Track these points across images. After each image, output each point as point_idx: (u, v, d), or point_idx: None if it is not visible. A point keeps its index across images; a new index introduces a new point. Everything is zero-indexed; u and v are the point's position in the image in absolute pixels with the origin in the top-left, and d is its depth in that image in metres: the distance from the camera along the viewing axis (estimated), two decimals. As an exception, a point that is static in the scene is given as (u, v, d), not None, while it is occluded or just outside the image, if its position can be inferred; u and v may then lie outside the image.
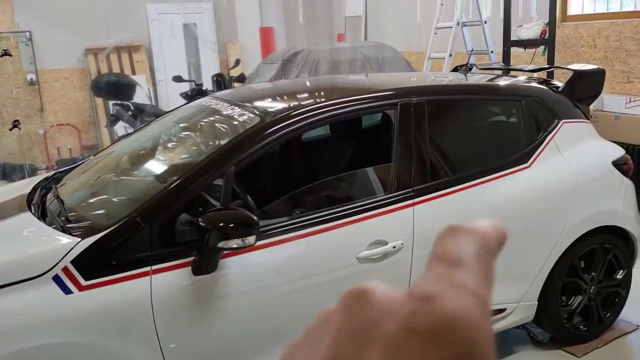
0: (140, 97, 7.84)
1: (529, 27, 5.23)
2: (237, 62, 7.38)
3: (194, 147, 2.56)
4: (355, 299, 0.31)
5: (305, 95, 2.96)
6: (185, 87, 7.12)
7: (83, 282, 1.95)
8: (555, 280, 2.91)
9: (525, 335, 3.20)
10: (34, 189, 2.66)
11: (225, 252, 2.09)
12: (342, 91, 2.97)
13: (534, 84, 3.13)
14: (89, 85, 8.23)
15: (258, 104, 2.69)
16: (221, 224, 2.02)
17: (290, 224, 2.30)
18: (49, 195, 2.57)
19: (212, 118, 2.71)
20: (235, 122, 2.49)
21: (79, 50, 8.49)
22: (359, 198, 2.52)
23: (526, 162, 2.83)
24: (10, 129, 7.62)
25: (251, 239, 2.05)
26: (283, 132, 2.34)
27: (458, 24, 5.74)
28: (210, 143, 2.47)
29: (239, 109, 2.60)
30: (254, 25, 9.54)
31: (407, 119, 2.60)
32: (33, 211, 2.36)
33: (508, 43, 5.37)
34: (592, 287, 3.06)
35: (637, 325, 3.25)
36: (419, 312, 0.28)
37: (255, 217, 2.06)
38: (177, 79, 6.83)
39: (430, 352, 0.27)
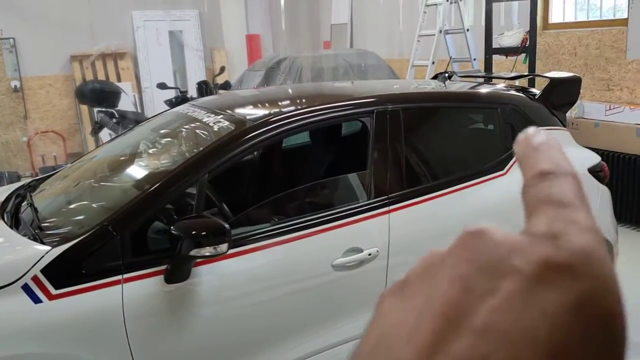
0: (126, 104, 7.81)
1: (510, 35, 5.29)
2: (222, 69, 7.38)
3: (169, 155, 2.55)
4: (477, 237, 0.31)
5: (284, 102, 2.96)
6: (171, 94, 7.11)
7: (53, 291, 1.94)
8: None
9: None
10: (8, 197, 2.64)
11: (197, 260, 2.09)
12: (320, 98, 2.98)
13: (511, 92, 3.16)
14: (73, 92, 8.19)
15: (235, 111, 2.69)
16: (193, 232, 2.02)
17: (264, 232, 2.30)
18: (23, 204, 2.55)
19: (188, 126, 2.71)
20: (211, 130, 2.49)
21: (64, 57, 8.46)
22: (335, 205, 2.52)
23: (502, 169, 2.85)
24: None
25: (223, 247, 2.04)
26: (257, 139, 2.34)
27: (440, 31, 5.78)
28: (185, 151, 2.46)
29: (215, 117, 2.60)
30: (240, 32, 9.56)
31: (383, 127, 2.61)
32: (5, 219, 2.35)
33: (490, 50, 5.43)
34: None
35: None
36: (553, 249, 0.28)
37: (227, 225, 2.05)
38: (162, 86, 6.82)
39: (571, 285, 0.27)
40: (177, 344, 2.13)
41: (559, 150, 0.35)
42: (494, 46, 5.44)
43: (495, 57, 5.53)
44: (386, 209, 2.52)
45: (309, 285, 2.36)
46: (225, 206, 2.49)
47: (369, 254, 2.43)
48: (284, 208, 2.55)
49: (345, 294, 2.44)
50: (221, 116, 2.58)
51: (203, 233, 2.02)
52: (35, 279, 1.93)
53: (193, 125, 2.66)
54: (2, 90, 8.13)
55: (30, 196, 2.60)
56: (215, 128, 2.48)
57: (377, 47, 7.45)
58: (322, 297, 2.40)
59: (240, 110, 2.66)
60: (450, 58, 6.01)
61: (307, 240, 2.35)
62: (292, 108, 2.59)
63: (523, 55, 5.29)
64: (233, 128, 2.41)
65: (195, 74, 9.23)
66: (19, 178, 7.62)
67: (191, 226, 2.04)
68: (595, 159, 3.17)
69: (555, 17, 6.11)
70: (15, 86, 8.17)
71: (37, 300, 1.91)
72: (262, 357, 2.29)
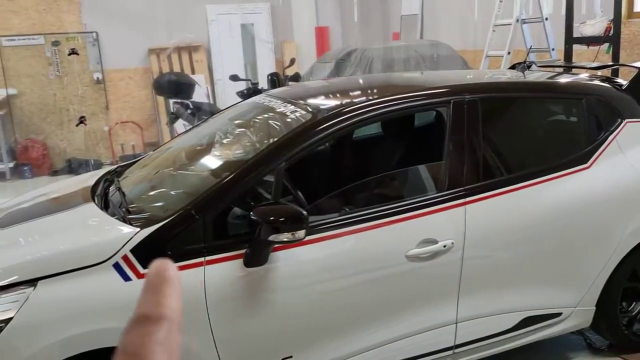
0: (199, 95, 8.07)
1: (592, 24, 5.05)
2: (292, 61, 7.47)
3: (247, 144, 2.62)
4: None
5: (357, 92, 2.97)
6: (242, 86, 7.27)
7: (141, 270, 2.04)
8: (615, 286, 2.81)
9: (582, 341, 3.10)
10: (97, 182, 2.80)
11: (275, 245, 2.14)
12: (394, 89, 2.97)
13: (596, 82, 3.03)
14: (151, 84, 8.54)
15: (311, 101, 2.72)
16: (272, 218, 2.07)
17: (339, 220, 2.32)
18: (112, 188, 2.69)
19: (265, 115, 2.76)
20: (288, 119, 2.54)
21: (142, 51, 8.82)
22: (410, 196, 2.51)
23: (586, 162, 2.74)
24: (77, 125, 8.01)
25: (301, 233, 2.08)
26: (334, 128, 2.37)
27: (517, 20, 5.61)
28: (263, 139, 2.52)
29: (292, 106, 2.64)
30: (310, 25, 9.63)
31: (460, 117, 2.57)
32: (96, 202, 2.49)
33: (570, 40, 5.20)
34: (655, 294, 2.93)
35: None
36: None
37: (304, 212, 2.09)
38: (234, 77, 6.99)
39: None
40: (254, 326, 2.19)
41: (172, 290, 0.44)
42: (574, 35, 5.20)
43: (575, 47, 5.30)
44: (462, 200, 2.48)
45: (382, 275, 2.36)
46: (300, 194, 2.52)
47: (444, 246, 2.41)
48: (359, 197, 2.57)
49: (419, 286, 2.43)
50: (297, 106, 2.62)
51: (282, 219, 2.07)
52: (125, 258, 2.04)
53: (270, 114, 2.71)
54: (85, 82, 8.57)
55: (118, 181, 2.75)
56: (291, 117, 2.53)
57: (449, 38, 7.30)
58: (395, 288, 2.39)
59: (314, 101, 2.68)
60: (530, 47, 5.82)
61: (380, 230, 2.35)
62: (368, 98, 2.59)
63: (606, 45, 5.04)
64: (310, 117, 2.44)
65: (266, 66, 9.39)
66: (101, 165, 8.04)
67: (270, 212, 2.09)
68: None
69: (641, 4, 5.78)
70: (98, 78, 8.60)
71: (127, 278, 2.02)
72: (332, 345, 2.32)
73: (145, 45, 8.76)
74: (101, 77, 8.62)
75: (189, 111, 7.16)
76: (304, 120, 2.44)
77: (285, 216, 2.07)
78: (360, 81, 3.72)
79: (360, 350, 2.37)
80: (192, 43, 8.98)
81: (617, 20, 4.98)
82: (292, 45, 9.64)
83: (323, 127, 2.35)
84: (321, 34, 9.73)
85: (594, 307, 2.80)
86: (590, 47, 5.21)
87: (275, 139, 2.39)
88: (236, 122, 2.96)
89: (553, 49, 5.61)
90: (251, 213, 2.10)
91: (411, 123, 3.33)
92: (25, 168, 7.93)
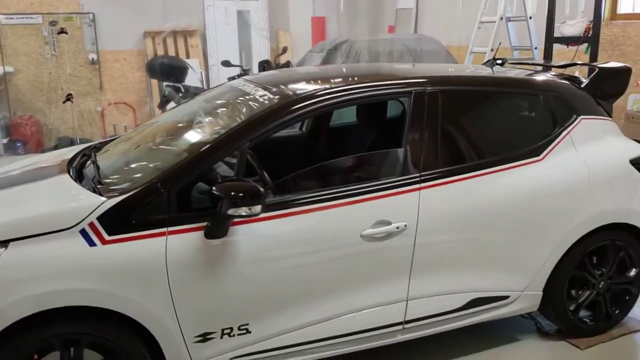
0: (193, 80, 8.19)
1: (572, 24, 5.18)
2: (284, 49, 7.59)
3: (216, 124, 2.75)
4: None
5: (327, 81, 3.07)
6: (234, 71, 7.39)
7: (106, 237, 2.19)
8: (562, 273, 2.97)
9: (533, 325, 3.26)
10: (75, 155, 2.94)
11: (235, 219, 2.28)
12: (362, 78, 3.10)
13: (556, 79, 3.16)
14: (144, 67, 8.65)
15: (281, 87, 2.85)
16: (232, 193, 2.21)
17: (299, 199, 2.47)
18: (88, 161, 2.83)
19: (237, 98, 2.90)
20: (256, 103, 2.67)
21: (138, 33, 8.93)
22: (369, 179, 2.64)
23: (538, 155, 2.88)
24: (64, 102, 8.14)
25: (257, 209, 2.23)
26: (295, 114, 2.52)
27: (502, 18, 5.73)
28: (230, 121, 2.65)
29: (262, 91, 2.78)
30: (306, 15, 9.73)
31: (420, 107, 2.71)
32: (71, 173, 2.63)
33: (550, 39, 5.34)
34: (602, 283, 3.09)
35: (648, 325, 3.25)
36: None
37: (261, 189, 2.24)
38: (226, 63, 7.12)
39: None
40: (212, 294, 2.34)
41: None
42: (555, 35, 5.34)
43: (556, 46, 5.43)
44: (417, 186, 2.63)
45: (337, 253, 2.50)
46: (265, 174, 2.66)
47: (397, 227, 2.55)
48: (319, 179, 2.70)
49: (372, 264, 2.58)
50: (266, 91, 2.76)
51: (240, 194, 2.21)
52: (91, 225, 2.19)
53: (241, 97, 2.85)
54: (80, 62, 8.69)
55: (95, 155, 2.89)
56: (259, 101, 2.67)
57: (441, 33, 7.42)
58: (349, 265, 2.54)
59: (283, 87, 2.81)
60: (512, 46, 5.95)
61: (337, 210, 2.50)
62: (330, 87, 2.72)
63: (585, 45, 5.18)
64: (274, 102, 2.58)
65: (261, 53, 9.50)
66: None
67: (230, 188, 2.23)
68: (639, 150, 3.14)
69: (624, 7, 5.90)
70: (93, 59, 8.72)
71: (92, 243, 2.17)
72: (287, 316, 2.47)
73: (142, 27, 8.87)
74: (96, 57, 8.73)
75: (180, 95, 7.29)
76: (268, 104, 2.58)
77: (243, 191, 2.22)
78: (335, 70, 3.86)
79: (313, 322, 2.52)
80: (188, 28, 9.09)
81: (596, 21, 5.11)
82: (288, 34, 9.74)
83: (284, 112, 2.50)
84: (317, 24, 9.83)
85: (541, 292, 2.96)
86: (569, 46, 5.34)
87: (240, 121, 2.53)
88: (210, 103, 3.10)
89: (536, 48, 5.74)
90: (213, 188, 2.24)
91: (378, 112, 3.47)
92: (18, 144, 8.07)
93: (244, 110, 2.70)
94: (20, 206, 2.34)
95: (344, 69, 4.10)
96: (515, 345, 3.09)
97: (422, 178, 2.65)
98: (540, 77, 3.19)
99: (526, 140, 2.93)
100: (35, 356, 2.16)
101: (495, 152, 2.87)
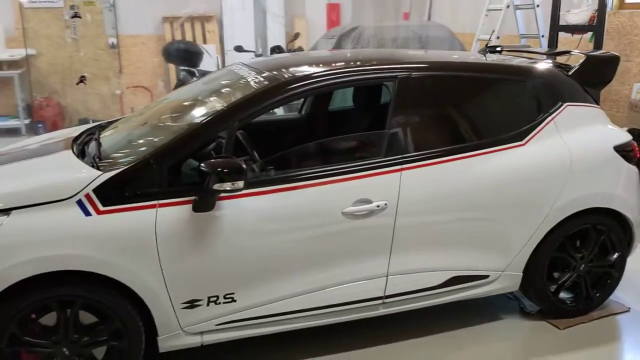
0: (209, 65, 8.35)
1: (577, 12, 5.20)
2: (297, 35, 7.70)
3: (211, 105, 2.90)
4: None
5: (321, 65, 3.18)
6: (247, 57, 7.53)
7: (101, 208, 2.36)
8: (542, 255, 3.06)
9: (516, 306, 3.37)
10: (81, 133, 3.13)
11: (221, 194, 2.43)
12: (356, 63, 3.21)
13: (543, 66, 3.23)
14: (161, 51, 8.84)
15: (274, 71, 2.98)
16: (218, 169, 2.36)
17: (282, 177, 2.61)
18: (93, 138, 3.02)
19: (232, 81, 3.04)
20: (247, 86, 2.82)
21: (156, 19, 9.13)
22: (353, 159, 2.77)
23: (522, 140, 2.97)
24: (77, 83, 8.38)
25: (240, 184, 2.38)
26: (282, 96, 2.66)
27: (508, 6, 5.75)
28: (222, 102, 2.80)
29: (256, 75, 2.92)
30: (322, 1, 9.81)
31: (405, 92, 2.82)
32: (74, 149, 2.82)
33: (555, 28, 5.36)
34: (582, 265, 3.17)
35: (629, 308, 3.33)
36: None
37: (244, 165, 2.38)
38: (238, 48, 7.25)
39: None
40: (199, 263, 2.50)
41: None
42: (560, 23, 5.35)
43: (561, 34, 5.45)
44: (399, 167, 2.75)
45: (319, 231, 2.64)
46: (255, 153, 2.81)
47: (377, 206, 2.68)
48: (305, 158, 2.84)
49: (353, 240, 2.71)
50: (259, 75, 2.89)
51: (225, 170, 2.37)
52: (87, 196, 2.36)
53: (235, 81, 2.99)
54: (100, 46, 8.92)
55: (99, 133, 3.07)
56: (251, 85, 2.81)
57: (451, 20, 7.44)
58: (331, 241, 2.67)
59: (276, 71, 2.93)
60: (520, 34, 5.97)
61: (320, 187, 2.63)
62: (321, 70, 2.84)
63: (590, 34, 5.19)
64: (265, 85, 2.72)
65: (276, 39, 9.61)
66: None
67: (217, 164, 2.38)
68: (625, 137, 3.20)
69: (634, -4, 5.87)
70: (113, 43, 8.94)
71: (87, 213, 2.35)
72: (270, 286, 2.62)
73: (160, 13, 9.06)
74: (116, 42, 8.96)
75: (194, 79, 7.46)
76: (258, 87, 2.72)
77: (227, 167, 2.37)
78: (332, 56, 3.97)
79: (296, 294, 2.68)
80: (205, 13, 9.25)
81: (601, 10, 5.12)
82: (303, 20, 9.83)
83: (271, 95, 2.64)
84: (332, 11, 9.90)
85: (521, 273, 3.06)
86: (574, 35, 5.35)
87: (230, 102, 2.68)
88: (207, 85, 3.26)
89: (543, 36, 5.76)
90: (201, 164, 2.40)
91: (371, 97, 3.59)
92: (40, 125, 8.34)
93: (237, 92, 2.84)
94: (23, 178, 2.53)
95: (342, 55, 4.22)
96: (496, 324, 3.21)
97: (404, 159, 2.76)
98: (527, 64, 3.27)
99: (510, 125, 3.01)
100: (33, 315, 2.36)
101: (478, 136, 2.97)
